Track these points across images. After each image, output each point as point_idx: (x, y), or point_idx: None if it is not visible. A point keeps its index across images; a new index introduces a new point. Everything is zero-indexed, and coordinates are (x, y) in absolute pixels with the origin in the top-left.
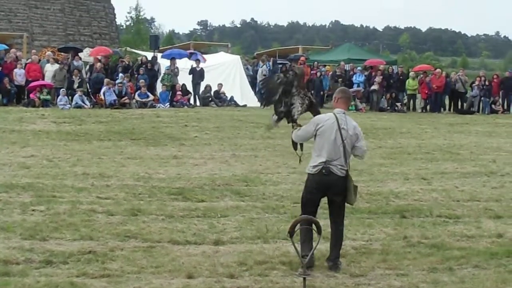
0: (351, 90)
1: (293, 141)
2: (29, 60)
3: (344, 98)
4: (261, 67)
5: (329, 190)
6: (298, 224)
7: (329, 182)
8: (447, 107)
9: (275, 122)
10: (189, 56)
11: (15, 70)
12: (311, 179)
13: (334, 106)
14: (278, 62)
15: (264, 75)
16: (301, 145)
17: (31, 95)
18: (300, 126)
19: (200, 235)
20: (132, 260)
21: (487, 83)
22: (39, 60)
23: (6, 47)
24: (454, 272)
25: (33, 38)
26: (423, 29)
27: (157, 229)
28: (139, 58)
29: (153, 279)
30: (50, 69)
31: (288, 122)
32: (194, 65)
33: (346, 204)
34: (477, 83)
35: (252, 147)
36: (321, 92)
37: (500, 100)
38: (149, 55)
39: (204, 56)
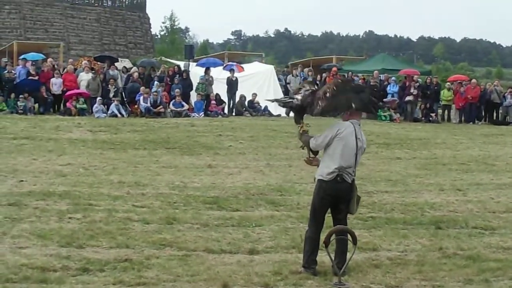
0: (385, 100)
1: (308, 147)
2: (65, 70)
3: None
4: (295, 77)
5: (340, 198)
6: (334, 234)
7: (341, 190)
8: (482, 118)
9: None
10: (224, 66)
11: (52, 79)
12: (324, 186)
13: (347, 118)
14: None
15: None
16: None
17: (68, 104)
18: (307, 131)
19: (235, 244)
20: (168, 269)
21: None
22: (75, 69)
23: (43, 56)
24: (490, 284)
25: (69, 47)
26: (458, 40)
27: (192, 238)
28: (168, 67)
29: (189, 287)
30: (84, 78)
31: (297, 122)
32: (230, 75)
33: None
34: (509, 92)
35: (286, 156)
36: None
37: None
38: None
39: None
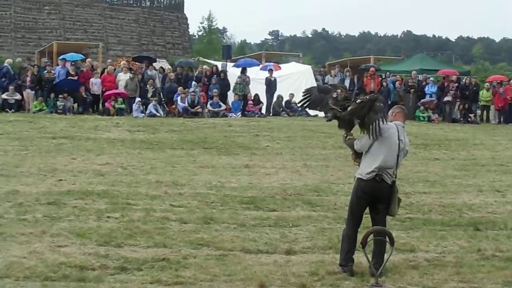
0: (423, 100)
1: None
2: (105, 71)
3: (402, 113)
4: (333, 77)
5: (378, 198)
6: (371, 235)
7: (379, 189)
8: None
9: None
10: (261, 67)
11: (91, 79)
12: (362, 185)
13: (392, 120)
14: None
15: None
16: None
17: (106, 104)
18: (352, 135)
19: (272, 244)
20: (205, 268)
21: None
22: (114, 69)
23: (83, 56)
24: None
25: (108, 48)
26: (497, 40)
27: (229, 238)
28: (205, 67)
29: (226, 287)
30: (122, 78)
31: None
32: (268, 76)
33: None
34: None
35: (323, 157)
36: (388, 102)
37: None
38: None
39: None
